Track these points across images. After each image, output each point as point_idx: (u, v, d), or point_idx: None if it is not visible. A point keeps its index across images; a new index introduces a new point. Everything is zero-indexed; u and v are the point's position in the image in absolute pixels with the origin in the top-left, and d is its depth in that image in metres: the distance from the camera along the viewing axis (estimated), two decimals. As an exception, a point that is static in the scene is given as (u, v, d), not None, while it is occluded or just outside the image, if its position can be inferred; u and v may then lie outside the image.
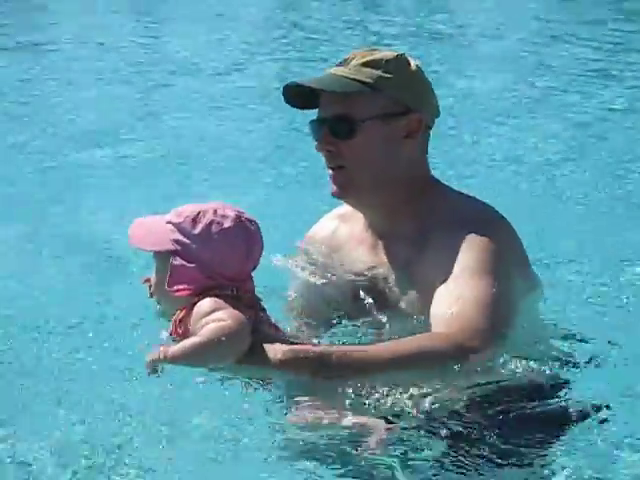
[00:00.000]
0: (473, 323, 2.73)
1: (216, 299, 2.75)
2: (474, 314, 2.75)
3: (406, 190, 3.00)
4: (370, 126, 2.94)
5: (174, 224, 2.84)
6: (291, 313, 3.21)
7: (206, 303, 2.75)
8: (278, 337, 2.77)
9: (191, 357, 2.67)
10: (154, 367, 2.72)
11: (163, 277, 2.83)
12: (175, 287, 2.81)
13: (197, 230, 2.82)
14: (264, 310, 2.88)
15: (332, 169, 3.00)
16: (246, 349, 2.67)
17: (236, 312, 2.70)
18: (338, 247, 3.17)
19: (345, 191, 3.00)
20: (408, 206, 2.99)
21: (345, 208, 3.18)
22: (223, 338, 2.64)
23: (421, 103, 3.00)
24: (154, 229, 2.88)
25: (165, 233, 2.85)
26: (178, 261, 2.82)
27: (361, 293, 3.06)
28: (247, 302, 2.81)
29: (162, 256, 2.86)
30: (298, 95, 3.01)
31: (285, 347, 2.65)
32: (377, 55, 2.98)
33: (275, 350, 2.64)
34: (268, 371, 2.68)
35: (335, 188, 3.01)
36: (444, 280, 2.83)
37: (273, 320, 2.87)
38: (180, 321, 2.81)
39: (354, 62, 2.97)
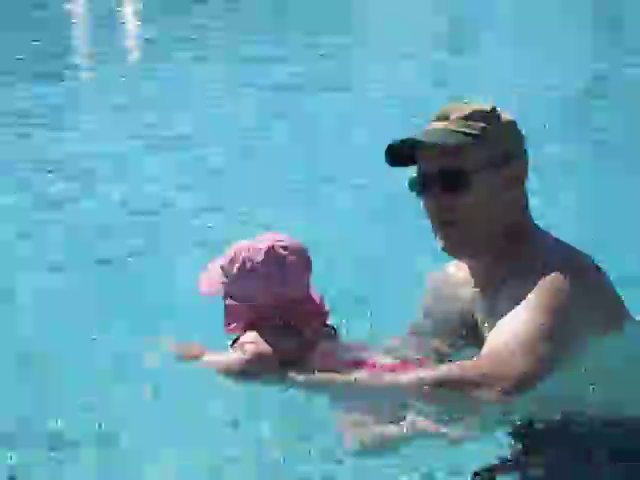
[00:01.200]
0: (506, 360, 2.70)
1: (255, 333, 2.98)
2: (511, 351, 2.71)
3: (509, 239, 3.02)
4: (483, 177, 2.95)
5: (221, 267, 3.08)
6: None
7: (244, 336, 3.01)
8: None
9: (221, 370, 3.00)
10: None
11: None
12: (229, 326, 3.07)
13: (234, 270, 3.02)
14: (333, 332, 3.09)
15: (442, 224, 2.99)
16: (268, 374, 2.93)
17: (255, 350, 2.96)
18: (454, 289, 3.19)
19: (460, 247, 3.02)
20: (510, 254, 2.99)
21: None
22: (233, 365, 2.98)
23: (520, 151, 3.04)
24: (211, 275, 3.12)
25: (217, 277, 3.09)
26: (228, 301, 3.07)
27: (460, 333, 3.13)
28: (294, 330, 3.00)
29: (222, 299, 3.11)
30: (396, 154, 3.03)
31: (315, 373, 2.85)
32: (475, 107, 3.01)
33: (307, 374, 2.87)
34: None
35: (448, 244, 3.00)
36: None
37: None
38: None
39: (454, 116, 2.98)
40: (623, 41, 11.41)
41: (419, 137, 2.97)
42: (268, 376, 2.92)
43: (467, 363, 2.76)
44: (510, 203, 3.01)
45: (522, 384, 2.67)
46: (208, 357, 3.02)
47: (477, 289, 3.05)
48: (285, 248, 3.00)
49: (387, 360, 2.94)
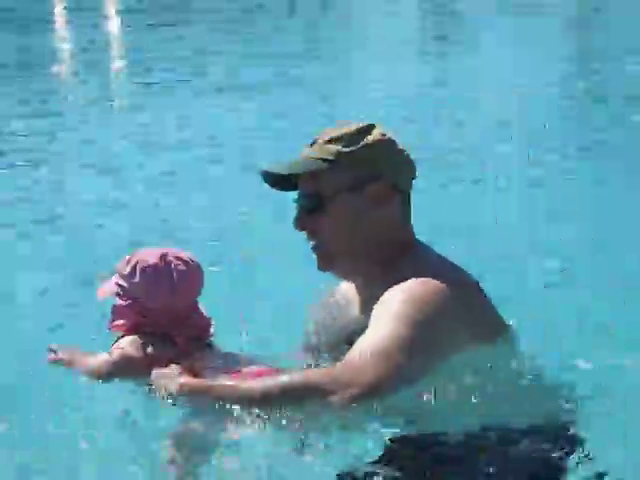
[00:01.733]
0: (358, 367, 2.66)
1: (132, 337, 3.10)
2: (364, 359, 2.66)
3: (383, 255, 3.04)
4: (339, 200, 2.99)
5: (117, 269, 3.18)
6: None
7: (122, 339, 3.12)
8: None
9: (85, 372, 3.10)
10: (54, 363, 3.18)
11: None
12: (113, 324, 3.15)
13: (127, 271, 3.12)
14: (209, 348, 3.15)
15: (311, 245, 3.07)
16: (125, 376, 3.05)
17: (123, 353, 3.07)
18: (347, 302, 3.17)
19: (326, 265, 3.07)
20: (384, 271, 3.00)
21: None
22: (101, 367, 3.08)
23: (388, 169, 3.03)
24: (110, 279, 3.21)
25: (113, 279, 3.19)
26: (117, 301, 3.16)
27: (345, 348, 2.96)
28: (170, 340, 3.10)
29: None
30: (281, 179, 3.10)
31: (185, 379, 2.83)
32: (342, 130, 3.04)
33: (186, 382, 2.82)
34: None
35: (318, 264, 3.07)
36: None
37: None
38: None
39: (320, 141, 3.03)
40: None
41: (272, 169, 3.06)
42: (133, 379, 3.01)
43: (315, 370, 2.81)
44: (379, 221, 3.03)
45: (370, 392, 2.63)
46: (78, 358, 3.12)
47: (358, 308, 3.08)
48: (178, 258, 3.10)
49: (252, 367, 2.95)
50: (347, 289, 3.17)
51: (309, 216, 3.02)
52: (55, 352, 3.17)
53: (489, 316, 2.98)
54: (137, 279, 3.10)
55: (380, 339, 2.69)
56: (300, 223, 3.04)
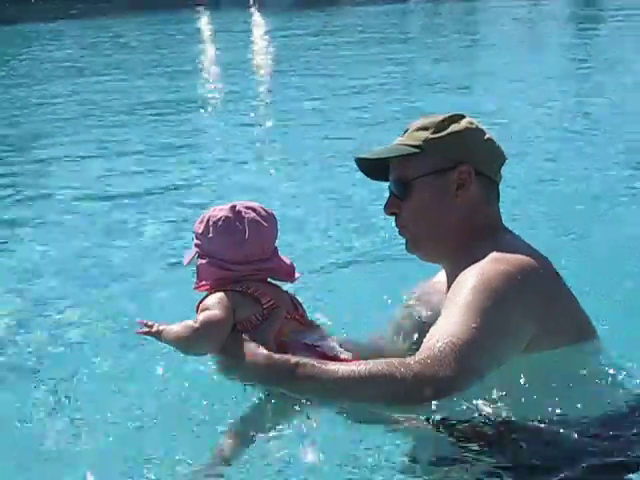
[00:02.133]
0: (435, 365, 2.68)
1: (219, 295, 3.03)
2: (440, 355, 2.68)
3: (467, 238, 3.09)
4: (421, 184, 3.07)
5: (193, 232, 3.16)
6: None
7: (209, 298, 3.05)
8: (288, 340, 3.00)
9: (171, 341, 3.02)
10: (146, 334, 3.06)
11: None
12: (199, 284, 3.13)
13: (201, 229, 3.11)
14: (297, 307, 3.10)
15: (398, 228, 3.17)
16: (219, 342, 2.97)
17: (207, 313, 3.00)
18: (440, 295, 3.21)
19: (412, 247, 3.16)
20: (468, 253, 3.01)
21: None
22: (199, 329, 2.97)
23: (472, 155, 3.10)
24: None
25: (193, 242, 3.17)
26: (198, 261, 3.14)
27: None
28: (254, 298, 3.05)
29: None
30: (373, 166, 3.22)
31: (262, 351, 2.86)
32: (430, 119, 3.14)
33: (252, 350, 2.89)
34: (242, 369, 2.89)
35: (406, 246, 3.16)
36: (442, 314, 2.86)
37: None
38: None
39: (410, 130, 3.15)
40: None
41: (367, 155, 3.18)
42: (214, 346, 2.96)
43: (397, 363, 2.70)
44: (462, 205, 3.10)
45: (447, 391, 2.69)
46: (164, 327, 3.04)
47: (450, 288, 3.03)
48: (248, 208, 3.13)
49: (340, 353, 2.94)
50: (441, 278, 3.25)
51: (396, 201, 3.12)
52: (147, 325, 3.07)
53: (572, 312, 3.00)
54: (211, 234, 3.11)
55: (453, 333, 2.72)
56: (388, 208, 3.14)
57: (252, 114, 10.24)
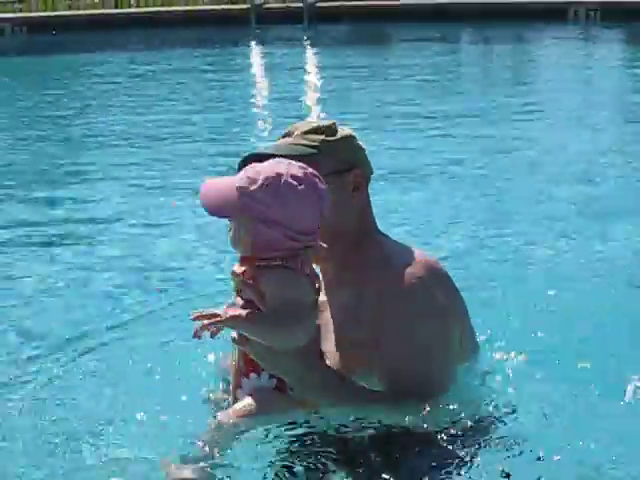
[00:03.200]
0: (427, 378, 3.10)
1: (292, 275, 2.91)
2: (424, 369, 3.11)
3: (354, 241, 3.25)
4: (328, 184, 3.10)
5: (250, 191, 2.92)
6: None
7: (290, 280, 2.91)
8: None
9: (255, 329, 2.83)
10: (212, 328, 2.81)
11: (244, 240, 2.95)
12: (261, 253, 2.92)
13: (270, 192, 2.91)
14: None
15: None
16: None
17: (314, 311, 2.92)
18: None
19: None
20: (354, 257, 3.22)
21: None
22: (297, 328, 2.86)
23: (360, 160, 3.31)
24: (225, 195, 2.94)
25: (238, 199, 2.92)
26: (261, 226, 2.91)
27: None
28: (311, 280, 2.99)
29: (244, 221, 2.94)
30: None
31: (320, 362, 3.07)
32: (314, 124, 3.30)
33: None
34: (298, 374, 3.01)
35: None
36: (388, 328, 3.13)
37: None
38: (247, 277, 2.94)
39: (297, 132, 3.27)
40: None
41: (269, 150, 3.21)
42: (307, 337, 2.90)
43: (409, 401, 3.06)
44: (355, 208, 3.28)
45: (443, 383, 3.14)
46: (235, 312, 2.84)
47: (329, 287, 3.23)
48: (315, 175, 3.02)
49: None
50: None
51: None
52: (210, 315, 2.84)
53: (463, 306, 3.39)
54: (285, 199, 2.92)
55: (423, 346, 3.11)
56: None
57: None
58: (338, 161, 3.24)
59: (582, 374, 3.69)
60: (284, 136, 3.30)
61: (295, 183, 2.94)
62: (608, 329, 4.25)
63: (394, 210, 7.12)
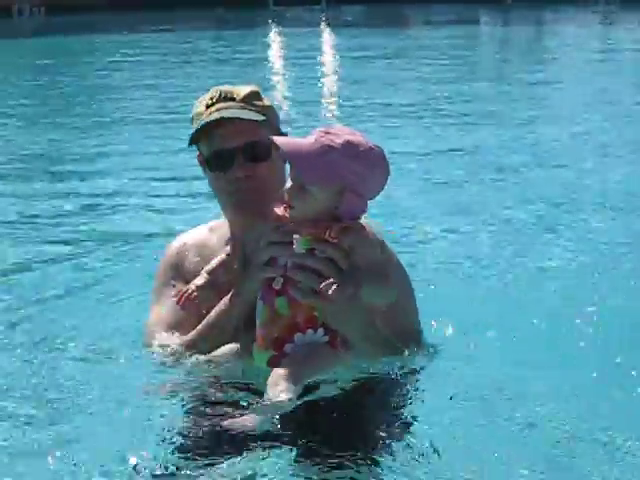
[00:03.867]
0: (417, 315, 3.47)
1: (374, 237, 3.13)
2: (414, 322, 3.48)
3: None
4: (273, 146, 3.16)
5: (343, 157, 2.98)
6: None
7: (375, 241, 3.12)
8: None
9: (368, 291, 3.03)
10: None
11: (317, 202, 3.02)
12: (349, 218, 3.03)
13: (363, 161, 2.99)
14: None
15: (242, 191, 3.30)
16: None
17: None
18: (210, 254, 3.43)
19: (257, 207, 3.24)
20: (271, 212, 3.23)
21: (215, 222, 3.54)
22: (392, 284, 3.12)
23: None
24: (321, 164, 2.99)
25: (335, 167, 2.98)
26: (351, 195, 3.00)
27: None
28: None
29: (326, 188, 3.01)
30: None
31: None
32: (249, 89, 3.36)
33: None
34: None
35: (247, 205, 3.30)
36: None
37: None
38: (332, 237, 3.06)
39: (238, 97, 3.32)
40: None
41: (235, 115, 3.25)
42: None
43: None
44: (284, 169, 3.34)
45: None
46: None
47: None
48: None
49: None
50: (208, 234, 3.50)
51: (252, 162, 3.28)
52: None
53: None
54: (377, 173, 3.03)
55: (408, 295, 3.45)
56: (243, 170, 3.27)
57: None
58: (276, 126, 3.39)
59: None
60: (224, 100, 3.34)
61: (381, 157, 3.03)
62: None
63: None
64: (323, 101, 12.58)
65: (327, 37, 19.76)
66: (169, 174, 8.07)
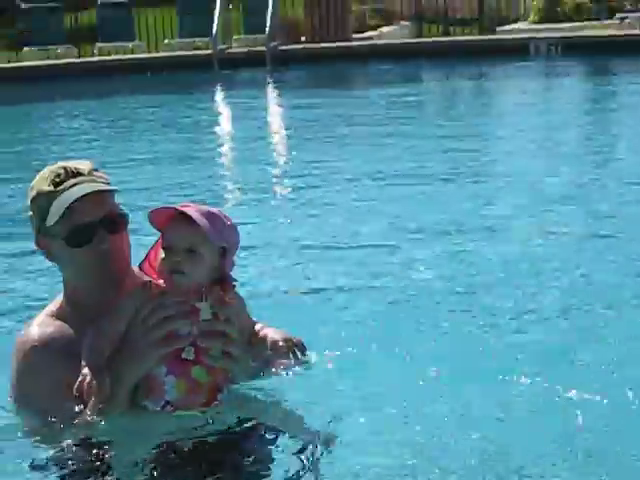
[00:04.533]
0: None
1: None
2: None
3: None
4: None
5: (225, 224, 3.35)
6: None
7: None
8: None
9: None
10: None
11: (207, 264, 3.32)
12: (230, 273, 3.38)
13: (228, 223, 3.38)
14: None
15: (105, 262, 3.48)
16: None
17: None
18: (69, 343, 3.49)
19: (113, 277, 3.49)
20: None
21: (57, 304, 3.64)
22: None
23: None
24: (215, 226, 3.31)
25: (220, 231, 3.31)
26: (230, 254, 3.39)
27: None
28: None
29: (213, 249, 3.33)
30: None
31: None
32: (84, 164, 3.58)
33: None
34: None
35: (106, 277, 3.49)
36: None
37: None
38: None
39: (85, 172, 3.53)
40: None
41: (102, 187, 3.50)
42: None
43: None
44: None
45: None
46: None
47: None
48: None
49: None
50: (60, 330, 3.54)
51: (114, 234, 3.49)
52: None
53: None
54: (233, 229, 3.39)
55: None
56: (103, 243, 3.46)
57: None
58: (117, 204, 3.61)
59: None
60: (72, 175, 3.48)
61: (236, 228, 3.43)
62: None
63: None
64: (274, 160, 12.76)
65: (273, 97, 19.99)
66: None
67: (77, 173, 3.49)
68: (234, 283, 3.35)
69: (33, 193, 3.49)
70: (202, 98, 20.00)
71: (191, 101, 19.16)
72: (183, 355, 3.25)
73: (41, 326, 3.54)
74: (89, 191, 3.41)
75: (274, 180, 11.04)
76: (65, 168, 3.49)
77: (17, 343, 3.58)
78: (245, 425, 3.41)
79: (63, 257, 3.50)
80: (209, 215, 3.29)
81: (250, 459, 3.32)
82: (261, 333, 3.54)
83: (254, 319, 3.60)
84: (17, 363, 3.54)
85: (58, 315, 3.57)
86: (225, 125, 16.70)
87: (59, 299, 3.64)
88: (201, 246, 3.27)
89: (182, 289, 3.27)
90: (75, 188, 3.43)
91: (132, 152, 13.25)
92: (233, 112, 18.07)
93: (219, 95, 21.06)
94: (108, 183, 3.55)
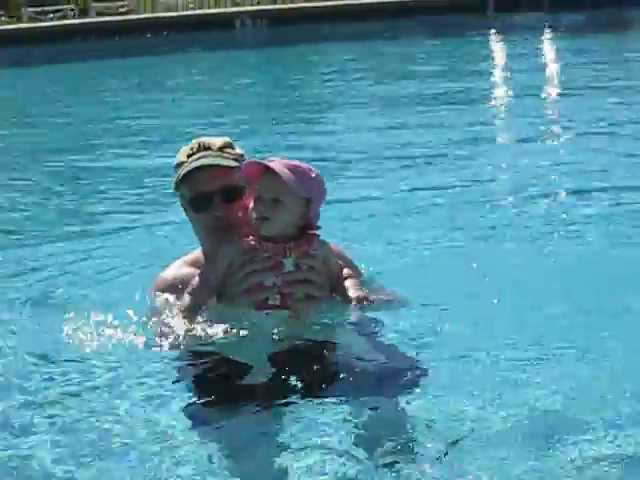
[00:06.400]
0: None
1: None
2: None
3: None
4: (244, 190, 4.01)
5: (307, 178, 3.81)
6: None
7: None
8: None
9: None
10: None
11: (291, 212, 3.81)
12: (315, 222, 3.89)
13: (319, 181, 3.86)
14: None
15: (221, 226, 4.02)
16: None
17: None
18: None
19: (227, 238, 3.98)
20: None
21: (194, 255, 4.24)
22: None
23: None
24: (299, 178, 3.77)
25: (304, 182, 3.79)
26: (315, 204, 3.86)
27: None
28: None
29: (297, 199, 3.81)
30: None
31: None
32: (222, 140, 4.12)
33: None
34: None
35: (221, 239, 4.00)
36: None
37: None
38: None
39: (214, 147, 4.08)
40: None
41: (208, 162, 4.01)
42: None
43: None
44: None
45: None
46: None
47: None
48: None
49: None
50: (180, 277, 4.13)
51: (226, 203, 4.01)
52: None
53: None
54: (320, 183, 3.87)
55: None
56: (220, 210, 3.99)
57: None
58: (241, 176, 4.00)
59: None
60: (203, 149, 4.08)
61: (322, 180, 3.89)
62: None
63: None
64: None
65: (549, 43, 19.48)
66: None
67: (207, 147, 4.06)
68: (317, 233, 3.86)
69: (176, 161, 4.12)
70: (475, 42, 19.74)
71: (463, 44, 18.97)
72: (270, 301, 3.82)
73: (176, 268, 4.24)
74: (205, 164, 3.99)
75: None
76: (199, 143, 4.08)
77: (156, 279, 4.30)
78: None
79: (191, 220, 4.15)
80: (294, 168, 3.78)
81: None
82: (345, 283, 3.98)
83: (345, 268, 4.02)
84: (151, 295, 4.25)
85: (192, 263, 4.19)
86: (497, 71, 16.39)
87: (197, 250, 4.24)
88: (285, 196, 3.75)
89: (269, 245, 3.82)
90: (196, 161, 4.01)
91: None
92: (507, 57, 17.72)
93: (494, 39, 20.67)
94: (237, 159, 4.04)
